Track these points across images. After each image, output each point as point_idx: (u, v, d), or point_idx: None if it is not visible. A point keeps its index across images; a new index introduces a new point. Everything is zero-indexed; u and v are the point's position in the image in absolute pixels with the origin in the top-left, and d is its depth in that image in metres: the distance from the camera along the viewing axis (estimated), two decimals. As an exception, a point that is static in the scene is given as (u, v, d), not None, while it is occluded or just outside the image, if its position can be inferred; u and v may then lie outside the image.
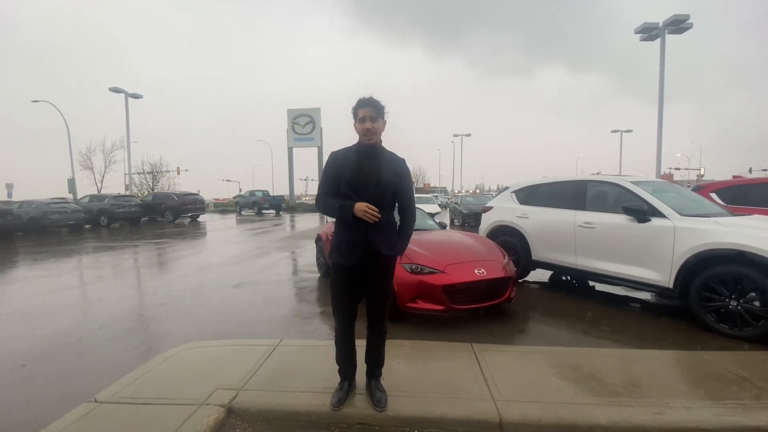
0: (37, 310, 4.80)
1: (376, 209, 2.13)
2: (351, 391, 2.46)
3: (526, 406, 2.35)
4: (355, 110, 2.24)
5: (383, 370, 2.53)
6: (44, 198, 16.78)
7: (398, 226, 2.40)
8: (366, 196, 2.19)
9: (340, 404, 2.34)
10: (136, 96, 27.04)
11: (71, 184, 26.92)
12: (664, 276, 4.01)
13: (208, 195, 42.34)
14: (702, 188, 6.51)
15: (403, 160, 2.38)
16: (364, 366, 2.51)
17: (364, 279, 2.32)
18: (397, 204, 2.37)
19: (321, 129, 34.32)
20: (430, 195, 28.37)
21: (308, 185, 66.36)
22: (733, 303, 3.54)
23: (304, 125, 34.35)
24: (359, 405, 2.38)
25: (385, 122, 2.27)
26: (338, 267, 2.31)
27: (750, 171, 41.36)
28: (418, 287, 3.87)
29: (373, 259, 2.26)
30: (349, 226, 2.23)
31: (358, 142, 2.29)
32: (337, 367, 2.49)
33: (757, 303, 3.43)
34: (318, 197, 2.34)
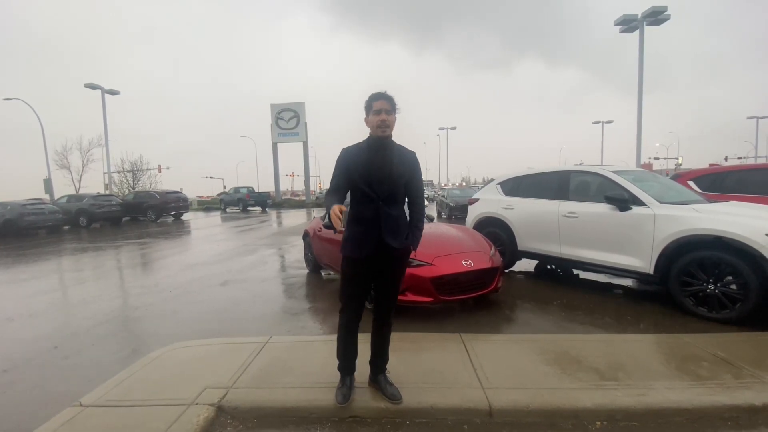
0: (17, 314, 4.66)
1: (341, 218, 1.98)
2: (353, 386, 2.44)
3: (515, 392, 2.39)
4: (369, 103, 2.22)
5: None
6: (19, 199, 16.17)
7: (408, 219, 2.39)
8: (380, 189, 2.19)
9: (346, 400, 2.31)
10: (112, 92, 26.26)
11: (47, 185, 26.03)
12: (645, 262, 4.11)
13: (191, 193, 41.56)
14: (680, 177, 6.67)
15: (414, 153, 2.36)
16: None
17: (375, 273, 2.31)
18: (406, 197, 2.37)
19: (306, 124, 33.93)
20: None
21: (294, 181, 65.83)
22: (711, 287, 3.67)
23: (288, 120, 33.90)
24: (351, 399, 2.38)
25: (395, 118, 2.26)
26: (350, 260, 2.28)
27: (726, 159, 42.72)
28: (407, 280, 3.86)
29: (385, 253, 2.25)
30: (362, 219, 2.22)
31: (369, 136, 2.27)
32: (338, 363, 2.45)
33: (733, 286, 3.56)
34: (325, 194, 2.35)
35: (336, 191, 2.25)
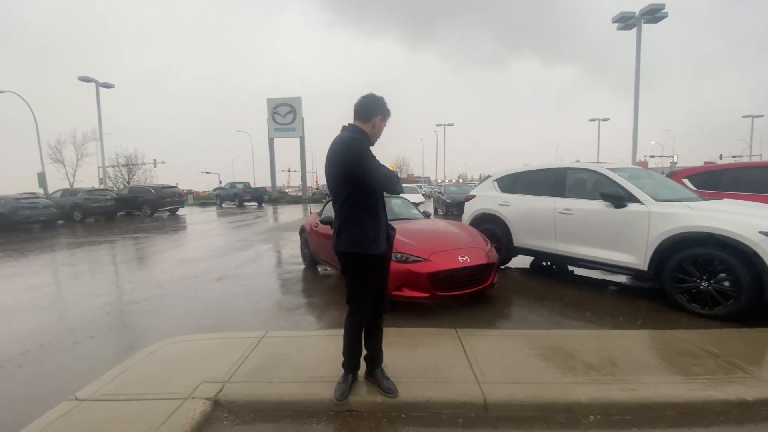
0: (11, 309, 4.63)
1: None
2: (354, 384, 2.44)
3: (510, 387, 2.41)
4: (387, 114, 2.31)
5: None
6: (13, 193, 16.01)
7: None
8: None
9: (344, 397, 2.32)
10: (107, 86, 25.97)
11: (41, 179, 25.78)
12: (639, 259, 4.14)
13: (186, 187, 41.26)
14: (675, 174, 6.71)
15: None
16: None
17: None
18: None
19: (302, 119, 33.78)
20: (414, 185, 28.47)
21: (290, 177, 65.52)
22: (704, 283, 3.70)
23: (284, 115, 33.73)
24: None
25: None
26: (367, 257, 2.22)
27: (720, 157, 43.01)
28: (403, 276, 3.90)
29: (388, 248, 2.36)
30: (378, 213, 2.26)
31: (366, 135, 2.27)
32: (343, 360, 2.45)
33: (726, 283, 3.59)
34: (388, 175, 2.30)
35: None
